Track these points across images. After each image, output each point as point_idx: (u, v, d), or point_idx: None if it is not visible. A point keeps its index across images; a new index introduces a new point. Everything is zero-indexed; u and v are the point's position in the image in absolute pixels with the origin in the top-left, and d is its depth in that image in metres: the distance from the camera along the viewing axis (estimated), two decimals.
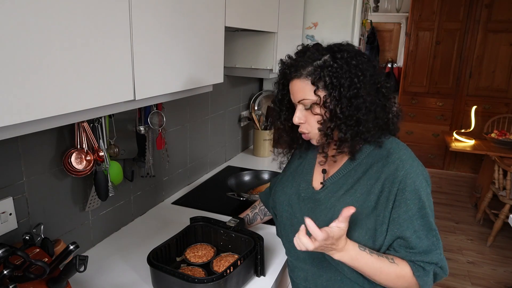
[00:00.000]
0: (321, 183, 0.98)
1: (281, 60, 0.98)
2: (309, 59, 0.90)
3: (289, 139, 1.04)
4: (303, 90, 0.90)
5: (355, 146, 0.91)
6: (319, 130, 0.91)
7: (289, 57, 0.96)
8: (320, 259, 0.96)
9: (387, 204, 0.87)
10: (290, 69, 0.92)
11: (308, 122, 0.93)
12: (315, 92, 0.88)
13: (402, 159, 0.89)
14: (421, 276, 0.85)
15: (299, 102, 0.92)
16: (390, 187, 0.87)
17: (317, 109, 0.89)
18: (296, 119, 0.93)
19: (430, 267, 0.86)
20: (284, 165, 1.16)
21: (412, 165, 0.88)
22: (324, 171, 0.99)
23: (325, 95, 0.87)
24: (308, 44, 0.97)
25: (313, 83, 0.88)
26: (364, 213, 0.88)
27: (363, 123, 0.87)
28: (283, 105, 1.00)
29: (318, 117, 0.89)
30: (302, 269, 1.01)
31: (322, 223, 0.90)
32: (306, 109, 0.92)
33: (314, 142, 0.95)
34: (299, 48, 0.97)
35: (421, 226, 0.86)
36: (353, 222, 0.88)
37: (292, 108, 0.98)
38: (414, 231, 0.86)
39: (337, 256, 0.84)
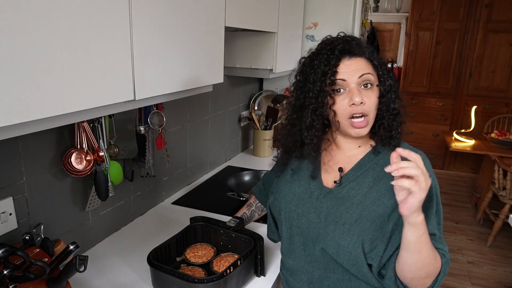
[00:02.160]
0: (335, 181, 0.96)
1: (338, 35, 0.96)
2: (364, 44, 0.94)
3: (323, 134, 0.98)
4: (367, 67, 0.90)
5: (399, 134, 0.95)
6: (388, 110, 0.92)
7: (348, 35, 0.95)
8: (328, 261, 0.93)
9: None
10: (352, 43, 0.90)
11: (367, 104, 0.89)
12: (380, 75, 0.92)
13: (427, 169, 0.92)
14: (444, 264, 0.86)
15: (361, 77, 0.89)
16: None
17: (378, 92, 0.92)
18: (358, 98, 0.87)
19: (447, 256, 0.88)
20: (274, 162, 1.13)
21: (428, 163, 0.90)
22: (340, 169, 0.97)
23: (386, 78, 0.92)
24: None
25: (374, 67, 0.92)
26: (391, 207, 0.88)
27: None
28: (333, 84, 0.89)
29: (375, 98, 0.91)
30: (307, 271, 0.97)
31: (350, 221, 0.89)
32: (365, 88, 0.90)
33: (367, 129, 0.92)
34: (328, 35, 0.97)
35: (435, 221, 0.88)
36: (380, 216, 0.88)
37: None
38: (432, 226, 0.87)
39: (421, 217, 0.76)
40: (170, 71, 1.00)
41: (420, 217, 0.75)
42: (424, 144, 4.70)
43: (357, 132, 0.91)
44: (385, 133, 0.94)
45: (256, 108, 2.36)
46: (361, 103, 0.88)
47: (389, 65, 4.79)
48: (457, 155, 4.62)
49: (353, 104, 0.88)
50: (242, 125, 2.33)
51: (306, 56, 0.97)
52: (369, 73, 0.89)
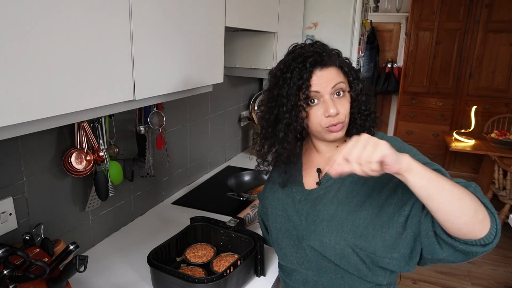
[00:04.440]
0: (317, 183, 0.98)
1: (305, 44, 0.94)
2: (332, 50, 0.94)
3: (294, 147, 0.98)
4: (338, 76, 0.91)
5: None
6: (360, 112, 0.95)
7: (315, 42, 0.95)
8: (319, 263, 0.94)
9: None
10: (323, 55, 0.90)
11: (342, 112, 0.91)
12: (350, 80, 0.93)
13: (393, 143, 0.92)
14: (476, 190, 0.76)
15: (334, 87, 0.89)
16: None
17: (350, 97, 0.93)
18: (334, 109, 0.88)
19: (463, 180, 0.80)
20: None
21: (401, 143, 0.94)
22: (319, 170, 0.99)
23: (356, 82, 0.94)
24: (307, 40, 0.98)
25: (345, 74, 0.93)
26: (366, 195, 0.89)
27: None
28: (308, 98, 0.89)
29: (348, 105, 0.93)
30: (301, 273, 0.99)
31: (327, 217, 0.91)
32: (338, 96, 0.91)
33: (343, 132, 0.94)
34: (300, 43, 0.96)
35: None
36: (356, 206, 0.88)
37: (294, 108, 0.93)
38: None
39: (405, 160, 0.69)
40: (170, 71, 1.00)
41: (403, 160, 0.69)
42: (424, 144, 4.70)
43: (334, 136, 0.93)
44: (358, 133, 0.94)
45: (256, 108, 2.36)
46: (337, 113, 0.89)
47: (389, 65, 4.79)
48: (457, 155, 4.61)
49: (328, 115, 0.89)
50: (242, 125, 2.33)
51: (276, 68, 0.96)
52: (341, 82, 0.91)
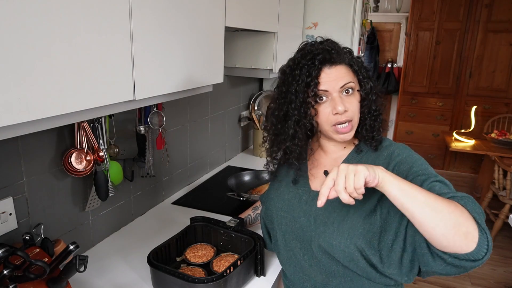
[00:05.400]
0: None
1: (315, 41, 0.94)
2: (344, 49, 0.94)
3: (306, 143, 0.97)
4: (347, 75, 0.91)
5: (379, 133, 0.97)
6: (370, 111, 0.94)
7: (325, 40, 0.94)
8: (328, 265, 0.93)
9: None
10: (332, 53, 0.90)
11: (350, 110, 0.90)
12: (360, 79, 0.93)
13: (401, 150, 0.93)
14: (467, 203, 0.75)
15: (342, 86, 0.89)
16: (401, 170, 0.88)
17: (359, 96, 0.93)
18: (341, 107, 0.88)
19: (460, 193, 0.79)
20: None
21: (407, 149, 0.93)
22: (326, 173, 0.98)
23: (366, 81, 0.93)
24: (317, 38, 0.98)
25: (355, 72, 0.93)
26: (377, 199, 0.89)
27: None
28: (316, 96, 0.89)
29: (358, 103, 0.92)
30: (309, 278, 0.98)
31: (338, 219, 0.90)
32: (347, 94, 0.90)
33: (352, 133, 0.93)
34: (311, 41, 0.96)
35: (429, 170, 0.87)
36: (367, 210, 0.88)
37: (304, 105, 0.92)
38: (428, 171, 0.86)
39: (379, 172, 0.73)
40: (170, 71, 1.00)
41: (377, 172, 0.74)
42: (424, 144, 4.70)
43: (342, 137, 0.93)
44: (367, 134, 0.95)
45: (256, 108, 2.36)
46: (345, 111, 0.89)
47: (389, 65, 4.79)
48: (457, 155, 4.61)
49: (336, 113, 0.89)
50: (242, 125, 2.33)
51: (286, 65, 0.97)
52: (350, 82, 0.90)
